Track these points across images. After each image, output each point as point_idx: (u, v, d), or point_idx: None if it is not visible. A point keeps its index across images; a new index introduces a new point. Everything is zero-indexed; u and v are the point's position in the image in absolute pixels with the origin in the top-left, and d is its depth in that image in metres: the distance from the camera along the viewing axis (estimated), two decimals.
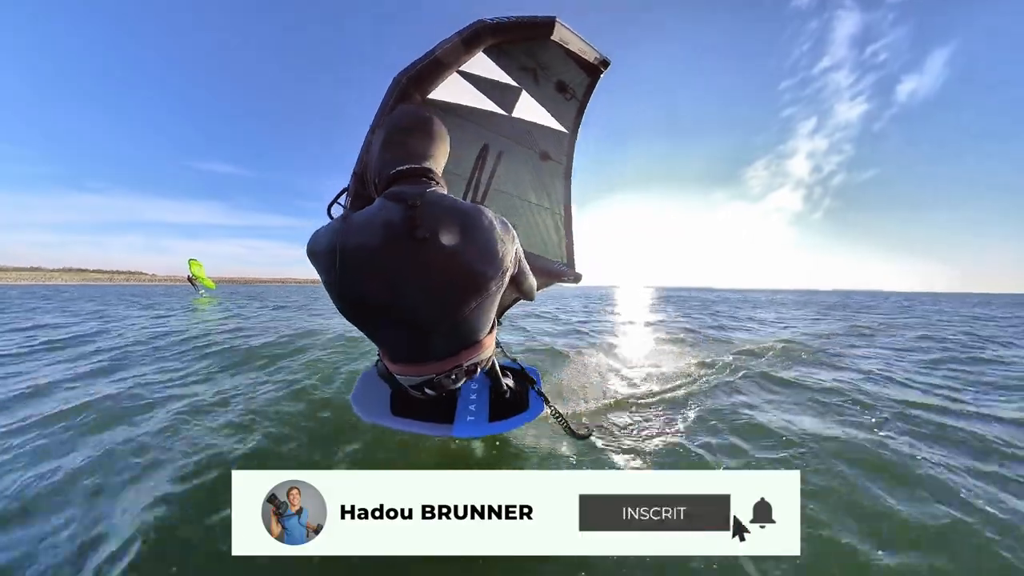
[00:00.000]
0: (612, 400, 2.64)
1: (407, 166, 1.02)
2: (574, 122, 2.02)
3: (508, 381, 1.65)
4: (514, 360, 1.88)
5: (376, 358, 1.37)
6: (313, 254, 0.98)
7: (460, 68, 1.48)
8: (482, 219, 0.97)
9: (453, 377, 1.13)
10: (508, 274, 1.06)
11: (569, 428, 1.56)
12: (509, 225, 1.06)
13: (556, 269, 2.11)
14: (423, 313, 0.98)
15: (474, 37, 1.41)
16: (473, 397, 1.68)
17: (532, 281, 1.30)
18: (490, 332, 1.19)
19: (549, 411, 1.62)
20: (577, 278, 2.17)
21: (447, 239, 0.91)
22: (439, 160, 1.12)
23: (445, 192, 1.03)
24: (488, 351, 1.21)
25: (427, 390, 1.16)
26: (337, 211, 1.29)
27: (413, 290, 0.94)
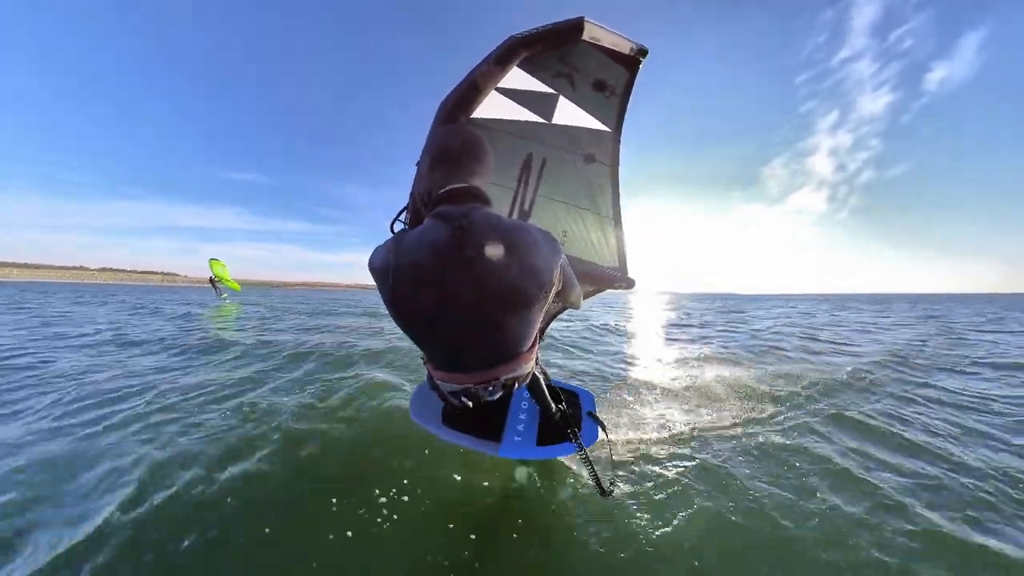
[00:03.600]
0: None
1: (453, 186, 1.06)
2: (616, 119, 1.93)
3: (560, 404, 1.61)
4: (563, 382, 1.81)
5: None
6: (372, 269, 1.06)
7: (498, 85, 1.52)
8: (527, 237, 0.99)
9: (490, 389, 1.17)
10: (553, 291, 1.07)
11: (597, 480, 1.49)
12: (556, 240, 1.08)
13: (607, 275, 2.06)
14: (466, 329, 1.03)
15: (507, 54, 1.45)
16: (523, 417, 1.67)
17: (579, 291, 1.31)
18: (531, 348, 1.21)
19: (604, 437, 1.57)
20: (630, 284, 2.09)
21: (492, 258, 0.94)
22: (484, 177, 1.15)
23: (490, 209, 1.07)
24: (528, 366, 1.23)
25: (463, 399, 1.20)
26: (399, 227, 1.43)
27: (458, 307, 0.98)
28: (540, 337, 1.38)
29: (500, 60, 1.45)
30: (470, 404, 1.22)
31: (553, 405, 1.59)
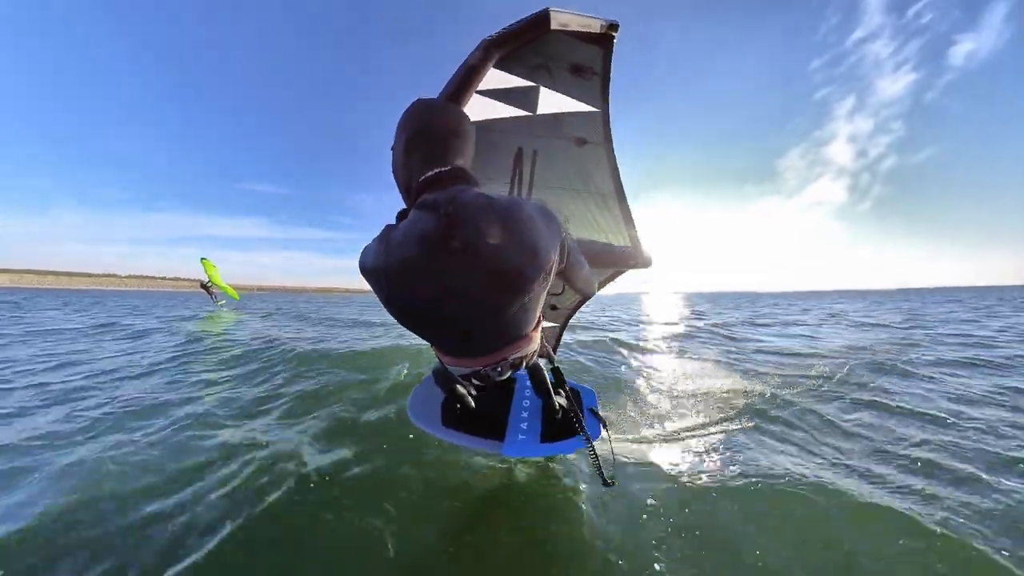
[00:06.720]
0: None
1: (435, 171, 0.99)
2: (601, 97, 1.89)
3: (561, 400, 1.59)
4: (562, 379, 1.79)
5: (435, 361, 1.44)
6: (364, 271, 1.02)
7: (477, 89, 1.54)
8: (520, 214, 0.92)
9: (499, 370, 1.20)
10: (553, 270, 1.02)
11: (600, 471, 1.41)
12: (553, 214, 1.01)
13: (619, 253, 1.98)
14: (467, 317, 1.01)
15: (481, 59, 1.48)
16: (525, 415, 1.65)
17: (587, 272, 1.29)
18: (536, 326, 1.22)
19: (605, 435, 1.53)
20: (647, 262, 2.00)
21: (485, 242, 0.88)
22: (467, 153, 1.07)
23: (478, 189, 0.99)
24: (534, 345, 1.25)
25: (475, 381, 1.27)
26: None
27: (457, 297, 0.95)
28: (543, 318, 1.33)
29: (475, 66, 1.46)
30: (481, 384, 1.29)
31: (556, 400, 1.55)
